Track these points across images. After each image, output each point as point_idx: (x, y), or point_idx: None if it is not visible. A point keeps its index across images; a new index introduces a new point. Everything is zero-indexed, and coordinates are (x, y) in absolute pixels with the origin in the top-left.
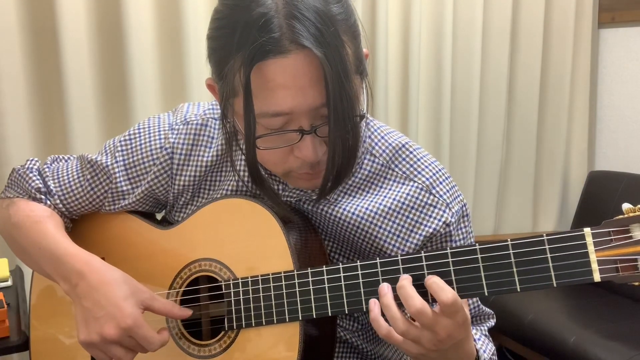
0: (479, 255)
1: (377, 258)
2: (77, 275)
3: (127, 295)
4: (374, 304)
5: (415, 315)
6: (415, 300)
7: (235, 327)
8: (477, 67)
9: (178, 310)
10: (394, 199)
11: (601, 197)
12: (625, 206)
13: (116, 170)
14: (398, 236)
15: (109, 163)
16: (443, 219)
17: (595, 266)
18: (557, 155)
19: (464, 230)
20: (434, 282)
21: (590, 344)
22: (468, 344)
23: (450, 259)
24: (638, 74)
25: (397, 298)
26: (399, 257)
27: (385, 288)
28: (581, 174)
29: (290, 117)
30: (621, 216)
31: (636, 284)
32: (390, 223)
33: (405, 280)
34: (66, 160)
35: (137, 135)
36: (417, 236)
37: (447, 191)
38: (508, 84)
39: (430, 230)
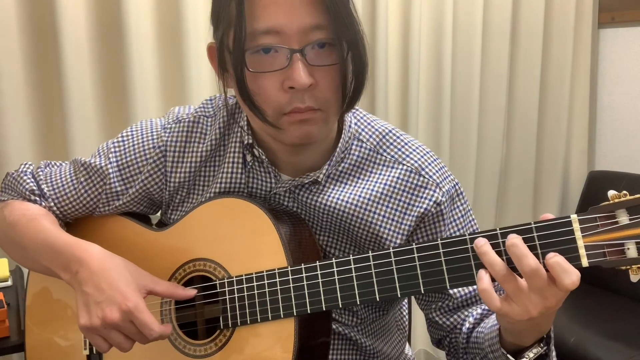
0: (469, 245)
1: (370, 252)
2: (77, 263)
3: (128, 280)
4: (483, 273)
5: (530, 275)
6: (529, 259)
7: (230, 326)
8: (477, 67)
9: (182, 290)
10: (385, 184)
11: (601, 197)
12: (611, 193)
13: (110, 170)
14: (392, 220)
15: (102, 164)
16: (434, 199)
17: (583, 252)
18: (557, 155)
19: (460, 208)
20: (558, 262)
21: (590, 344)
22: (555, 313)
23: (441, 250)
24: (638, 74)
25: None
26: (391, 250)
27: (481, 240)
28: (581, 174)
29: (281, 38)
30: (607, 202)
31: (623, 268)
32: (384, 208)
33: (517, 239)
34: (59, 166)
35: (130, 137)
36: (410, 217)
37: (437, 172)
38: (508, 83)
39: (422, 210)
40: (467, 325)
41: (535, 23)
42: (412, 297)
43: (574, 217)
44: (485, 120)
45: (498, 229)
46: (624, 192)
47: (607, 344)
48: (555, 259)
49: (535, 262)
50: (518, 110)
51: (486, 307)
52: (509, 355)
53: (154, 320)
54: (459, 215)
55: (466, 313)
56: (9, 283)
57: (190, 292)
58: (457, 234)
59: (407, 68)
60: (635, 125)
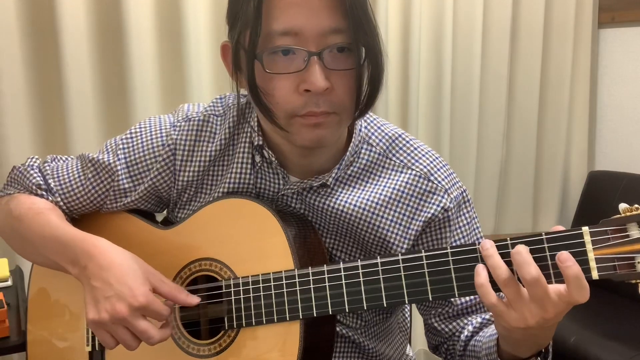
0: (479, 255)
1: (378, 257)
2: (86, 257)
3: (137, 275)
4: (481, 269)
5: (530, 283)
6: (531, 267)
7: (235, 326)
8: (477, 67)
9: (184, 296)
10: (394, 188)
11: (601, 197)
12: (622, 206)
13: (118, 167)
14: (400, 224)
15: (111, 161)
16: (441, 205)
17: (593, 264)
18: (557, 155)
19: (467, 215)
20: (577, 276)
21: (590, 344)
22: (555, 325)
23: (450, 258)
24: (638, 74)
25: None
26: (400, 257)
27: (487, 243)
28: (581, 174)
29: (299, 40)
30: (618, 215)
31: (633, 282)
32: (392, 212)
33: (522, 247)
34: (65, 160)
35: (139, 134)
36: (417, 222)
37: (445, 177)
38: (508, 83)
39: (429, 215)
40: (465, 333)
41: (535, 23)
42: None
43: (585, 229)
44: (485, 121)
45: (509, 238)
46: (636, 205)
47: (607, 344)
48: (574, 270)
49: (537, 271)
50: (518, 110)
51: (486, 317)
52: None
53: (165, 306)
54: (465, 222)
55: (465, 321)
56: (9, 283)
57: (193, 299)
58: (462, 241)
59: (407, 68)
60: (635, 125)
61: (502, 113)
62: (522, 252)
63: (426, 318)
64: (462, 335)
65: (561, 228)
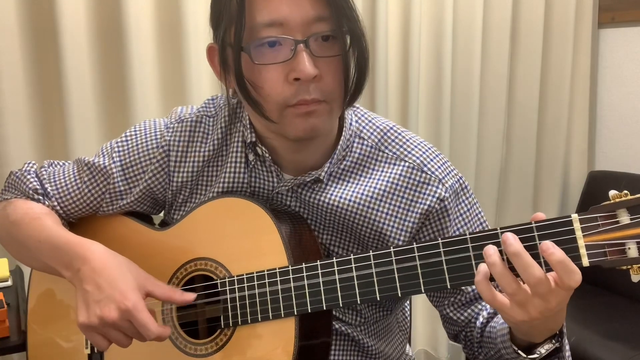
0: (470, 245)
1: (370, 251)
2: (79, 261)
3: (128, 280)
4: (482, 267)
5: (535, 284)
6: (535, 269)
7: (231, 325)
8: (477, 67)
9: (179, 295)
10: (387, 181)
11: (601, 197)
12: (612, 192)
13: (114, 170)
14: (396, 217)
15: (106, 164)
16: (437, 195)
17: (583, 251)
18: (557, 155)
19: (466, 202)
20: (561, 262)
21: (590, 344)
22: (564, 310)
23: (442, 249)
24: (638, 74)
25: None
26: (392, 249)
27: (491, 249)
28: (581, 174)
29: (284, 30)
30: (608, 202)
31: (624, 268)
32: (387, 205)
33: (520, 249)
34: (62, 165)
35: (134, 136)
36: (414, 215)
37: (439, 167)
38: (508, 83)
39: (425, 207)
40: (480, 319)
41: (535, 23)
42: (416, 296)
43: (574, 216)
44: (485, 120)
45: (499, 228)
46: (625, 191)
47: (607, 344)
48: (557, 256)
49: (540, 272)
50: (518, 110)
51: None
52: (520, 352)
53: (152, 321)
54: (465, 209)
55: (479, 307)
56: (9, 283)
57: (188, 297)
58: (465, 228)
59: (407, 68)
60: (635, 125)
61: (502, 113)
62: (521, 255)
63: (441, 309)
64: (477, 322)
65: (542, 215)
